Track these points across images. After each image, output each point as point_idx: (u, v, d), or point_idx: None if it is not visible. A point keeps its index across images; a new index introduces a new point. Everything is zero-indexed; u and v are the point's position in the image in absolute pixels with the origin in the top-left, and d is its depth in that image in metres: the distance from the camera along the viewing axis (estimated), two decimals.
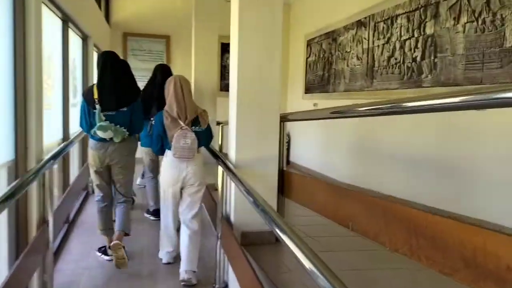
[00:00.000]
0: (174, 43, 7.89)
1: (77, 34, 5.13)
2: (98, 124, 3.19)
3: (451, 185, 3.84)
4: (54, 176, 3.15)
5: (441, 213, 1.58)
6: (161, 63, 4.78)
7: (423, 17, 4.29)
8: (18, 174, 2.52)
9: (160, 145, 3.15)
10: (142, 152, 4.32)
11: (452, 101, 1.40)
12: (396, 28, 4.73)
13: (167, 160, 3.13)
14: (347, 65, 5.89)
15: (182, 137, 2.98)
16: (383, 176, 4.84)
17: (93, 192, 3.74)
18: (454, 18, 3.86)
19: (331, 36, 6.43)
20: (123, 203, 3.48)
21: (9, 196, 1.95)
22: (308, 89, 7.31)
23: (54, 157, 2.87)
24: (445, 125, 3.95)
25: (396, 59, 4.73)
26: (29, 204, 2.63)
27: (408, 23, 4.53)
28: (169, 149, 3.06)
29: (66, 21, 4.29)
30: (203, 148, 3.28)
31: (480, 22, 3.58)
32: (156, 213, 4.11)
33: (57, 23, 4.14)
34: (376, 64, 5.14)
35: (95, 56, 5.54)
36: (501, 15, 3.38)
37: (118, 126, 3.24)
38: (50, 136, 3.61)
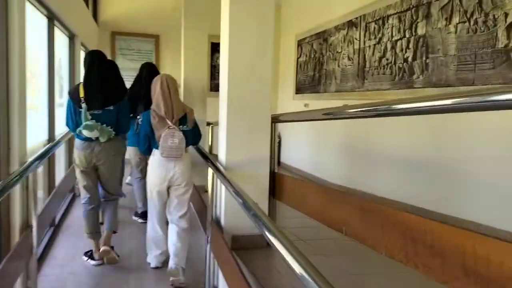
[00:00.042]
0: (163, 43, 7.82)
1: (64, 33, 5.03)
2: (84, 123, 3.13)
3: (443, 186, 3.83)
4: (39, 178, 3.06)
5: (439, 218, 1.54)
6: (148, 61, 4.74)
7: (414, 18, 4.27)
8: (0, 177, 2.43)
9: (148, 144, 3.11)
10: (129, 152, 4.22)
11: (444, 103, 1.39)
12: (388, 28, 4.71)
13: (155, 159, 3.08)
14: (338, 66, 5.86)
15: (169, 136, 2.95)
16: (374, 177, 4.81)
17: (79, 194, 3.66)
18: (446, 19, 3.85)
19: (322, 36, 6.40)
20: (111, 201, 3.45)
21: None
22: (299, 90, 7.27)
23: (39, 158, 2.79)
24: (437, 126, 3.93)
25: (387, 59, 4.71)
26: (12, 208, 2.56)
27: (399, 23, 4.50)
28: (157, 148, 3.02)
29: (52, 18, 4.19)
30: (191, 148, 3.22)
31: (472, 22, 3.56)
32: (144, 215, 4.03)
33: (42, 21, 4.04)
34: (368, 64, 5.11)
35: (82, 56, 5.43)
36: (493, 15, 3.36)
37: (104, 125, 3.18)
38: (34, 137, 3.52)
